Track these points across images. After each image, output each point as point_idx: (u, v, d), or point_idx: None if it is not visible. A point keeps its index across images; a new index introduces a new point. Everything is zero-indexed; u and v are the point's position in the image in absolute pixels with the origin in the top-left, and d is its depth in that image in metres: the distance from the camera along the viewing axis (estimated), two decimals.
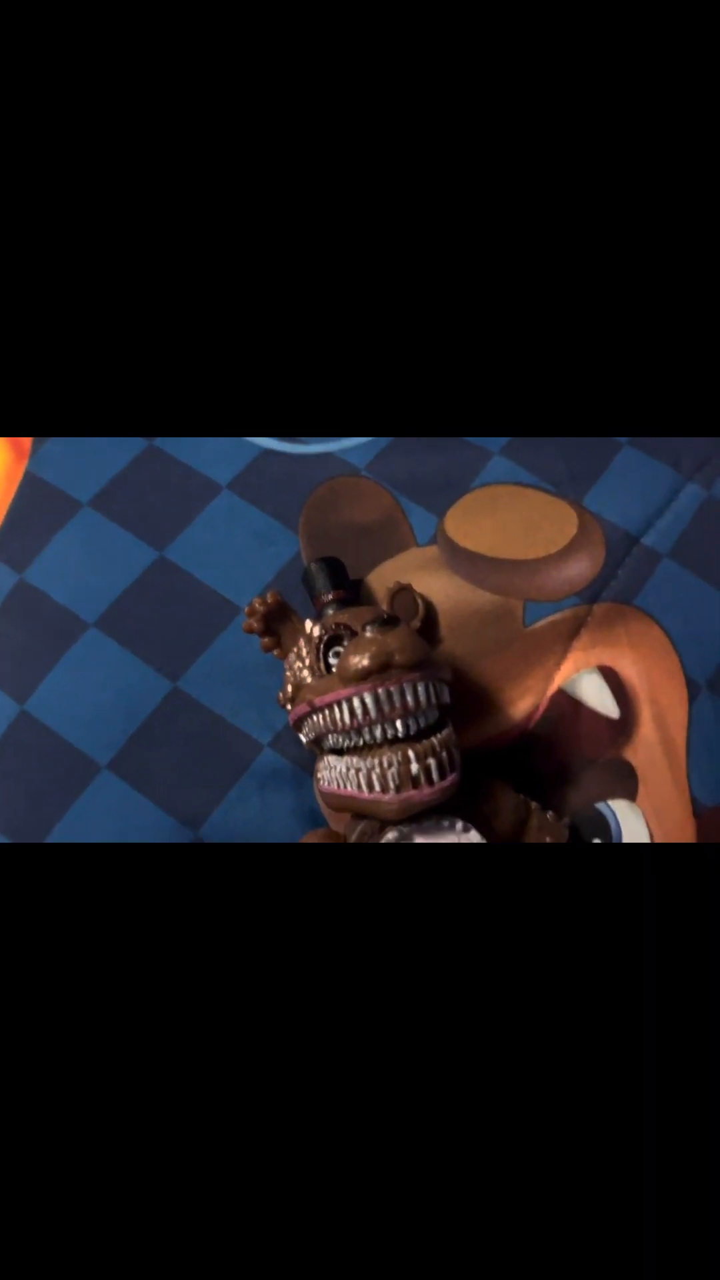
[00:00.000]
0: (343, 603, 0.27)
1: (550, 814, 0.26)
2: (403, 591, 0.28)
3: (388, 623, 0.23)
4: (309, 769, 0.27)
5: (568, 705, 0.28)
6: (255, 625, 0.26)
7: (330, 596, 0.27)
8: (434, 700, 0.23)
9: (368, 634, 0.22)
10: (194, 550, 0.30)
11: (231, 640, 0.28)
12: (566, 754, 0.28)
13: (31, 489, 0.32)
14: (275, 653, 0.26)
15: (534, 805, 0.26)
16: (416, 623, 0.28)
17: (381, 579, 0.30)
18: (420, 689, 0.22)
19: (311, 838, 0.24)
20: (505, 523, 0.31)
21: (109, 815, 0.26)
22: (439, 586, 0.30)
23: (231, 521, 0.31)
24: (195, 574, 0.30)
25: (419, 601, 0.28)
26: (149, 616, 0.29)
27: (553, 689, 0.28)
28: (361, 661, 0.22)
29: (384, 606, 0.27)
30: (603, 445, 0.32)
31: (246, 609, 0.26)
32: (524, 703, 0.28)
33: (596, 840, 0.27)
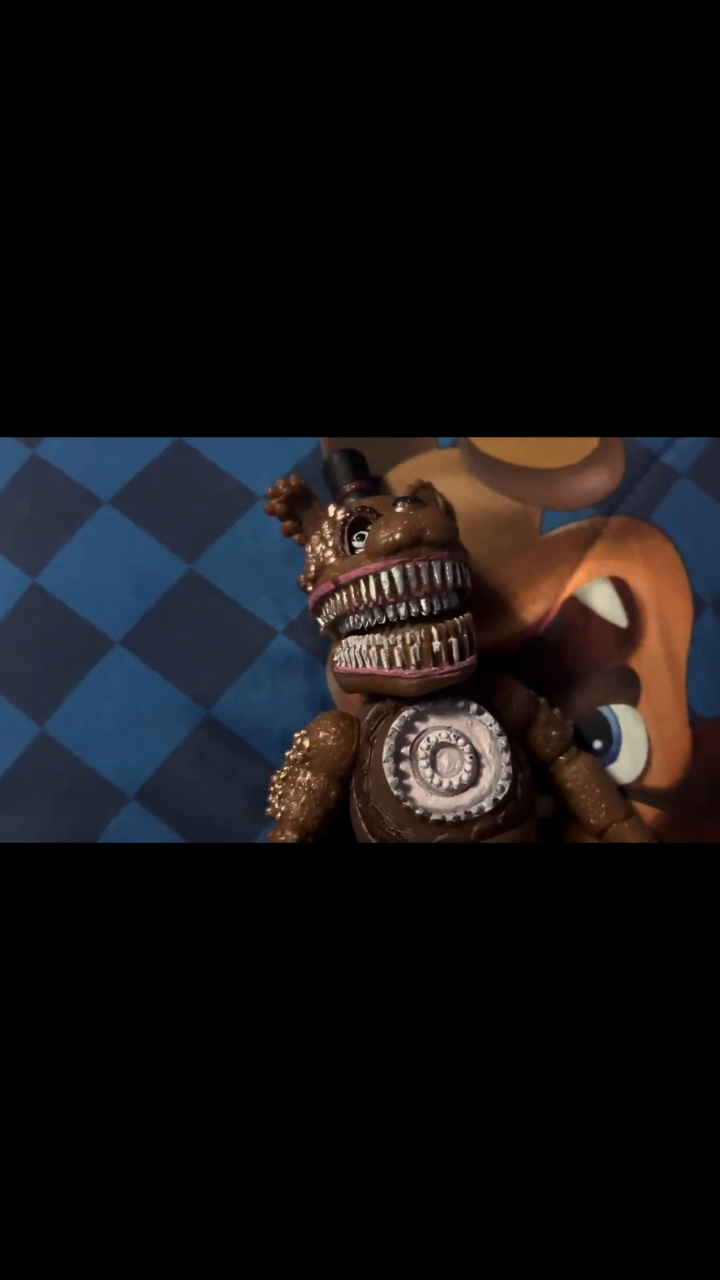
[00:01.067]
0: (363, 493, 0.27)
1: (557, 711, 0.27)
2: (424, 489, 0.28)
3: (418, 501, 0.23)
4: (321, 657, 0.27)
5: (578, 612, 0.29)
6: (277, 507, 0.26)
7: (351, 486, 0.27)
8: (458, 582, 0.23)
9: (398, 509, 0.22)
10: (216, 441, 0.29)
11: (248, 527, 0.28)
12: (574, 659, 0.28)
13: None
14: (295, 538, 0.26)
15: (542, 701, 0.26)
16: None
17: (402, 478, 0.30)
18: (447, 568, 0.22)
19: (323, 719, 0.25)
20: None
21: (121, 690, 0.26)
22: (459, 489, 0.30)
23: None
24: (214, 460, 0.29)
25: (439, 499, 0.28)
26: (166, 498, 0.28)
27: (565, 595, 0.29)
28: (393, 535, 0.22)
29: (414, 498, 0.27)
30: None
31: (269, 490, 0.26)
32: (536, 607, 0.29)
33: (598, 744, 0.28)
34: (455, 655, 0.22)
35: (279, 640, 0.27)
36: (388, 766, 0.23)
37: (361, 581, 0.22)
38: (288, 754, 0.25)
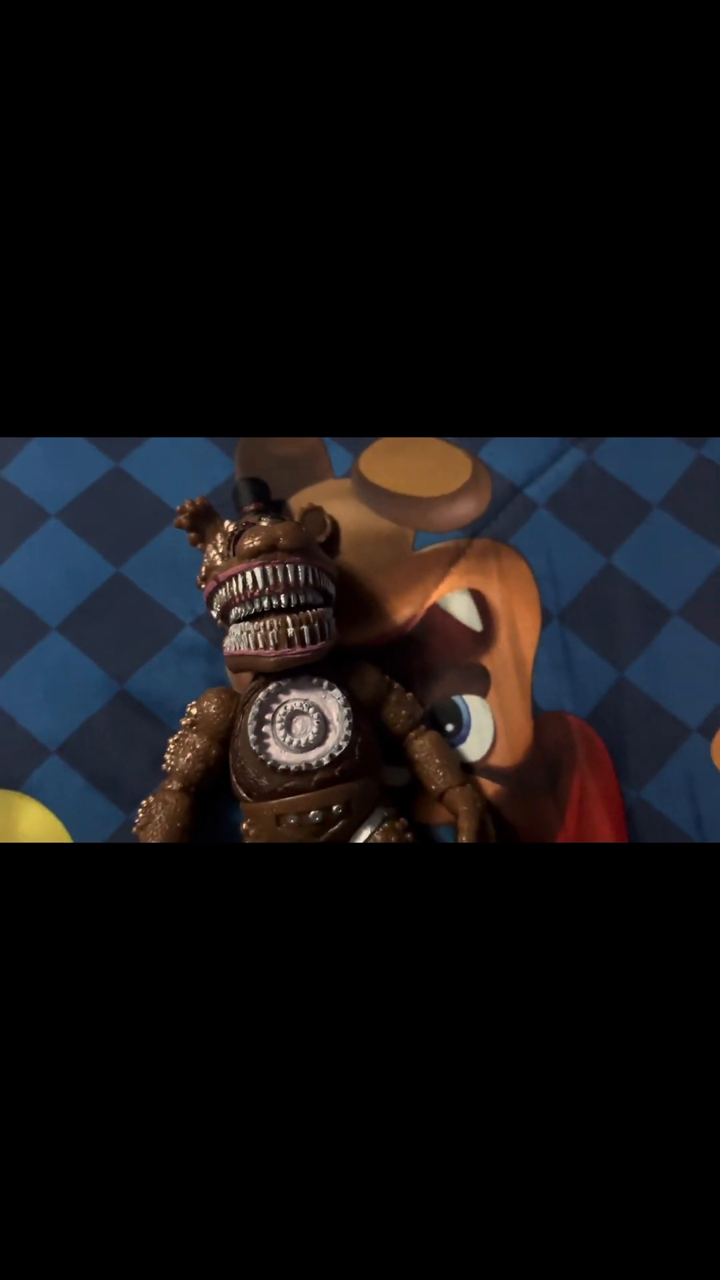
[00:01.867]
0: (260, 513, 0.32)
1: (410, 695, 0.32)
2: (314, 511, 0.34)
3: (279, 517, 0.28)
4: (219, 647, 0.33)
5: (440, 617, 0.34)
6: (184, 521, 0.32)
7: (252, 507, 0.33)
8: (314, 582, 0.28)
9: (263, 523, 0.28)
10: (144, 465, 0.36)
11: (168, 539, 0.34)
12: (435, 656, 0.34)
13: None
14: (199, 546, 0.32)
15: (396, 685, 0.31)
16: (323, 537, 0.33)
17: (300, 502, 0.36)
18: (300, 570, 0.28)
19: (210, 692, 0.30)
20: (410, 465, 0.36)
21: (53, 666, 0.32)
22: (347, 512, 0.35)
23: (179, 443, 0.36)
24: (144, 482, 0.35)
25: (327, 520, 0.34)
26: (103, 513, 0.35)
27: (430, 603, 0.34)
28: (253, 542, 0.27)
29: (297, 520, 0.33)
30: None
31: (179, 508, 0.32)
32: (405, 611, 0.34)
33: (450, 727, 0.33)
34: (307, 639, 0.28)
35: (186, 631, 0.33)
36: (251, 727, 0.28)
37: (234, 579, 0.28)
38: (181, 721, 0.31)
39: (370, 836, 0.29)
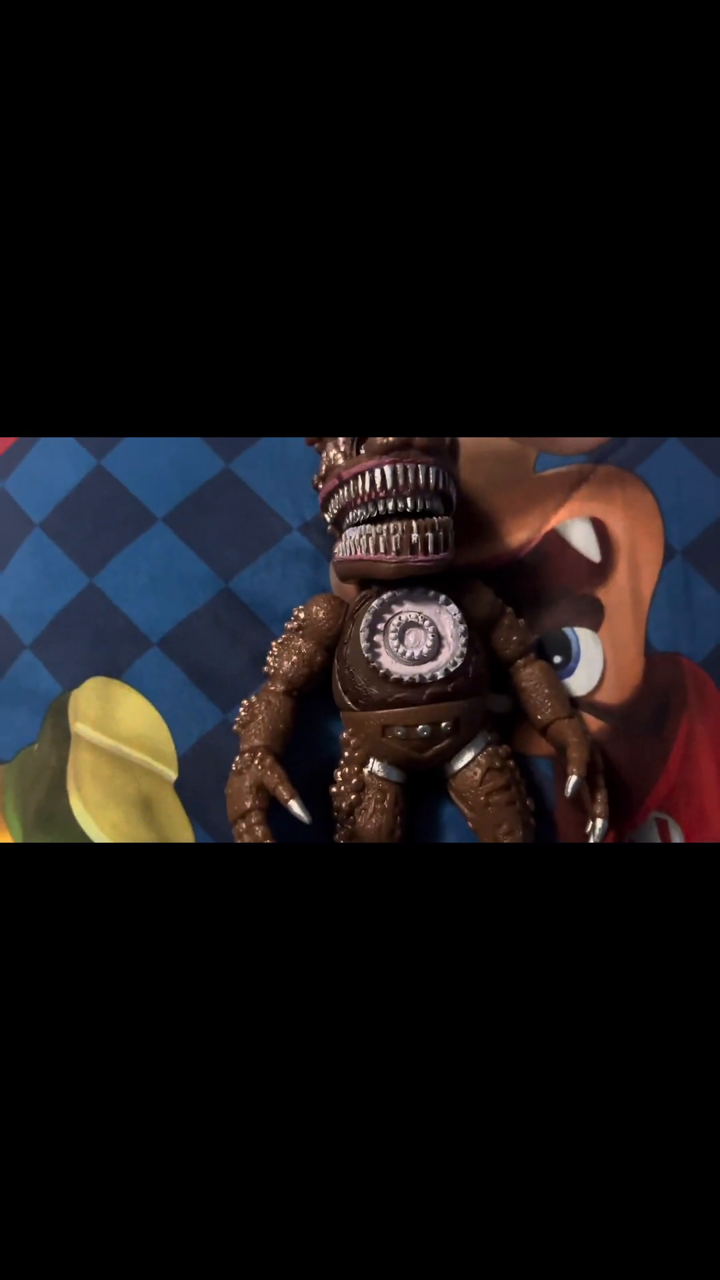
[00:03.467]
0: None
1: (522, 621, 0.30)
2: None
3: None
4: (327, 554, 0.32)
5: (557, 544, 0.32)
6: None
7: None
8: (442, 487, 0.27)
9: None
10: None
11: (277, 437, 0.33)
12: (548, 583, 0.32)
13: None
14: (316, 446, 0.31)
15: (509, 609, 0.30)
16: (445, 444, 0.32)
17: None
18: (431, 472, 0.26)
19: (317, 598, 0.29)
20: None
21: (158, 557, 0.32)
22: None
23: None
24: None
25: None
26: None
27: (548, 528, 0.33)
28: (388, 438, 0.26)
29: None
30: None
31: None
32: (520, 535, 0.33)
33: (558, 658, 0.32)
34: (430, 548, 0.27)
35: (293, 535, 0.32)
36: (363, 635, 0.27)
37: (360, 476, 0.27)
38: (286, 624, 0.30)
39: (474, 759, 0.28)
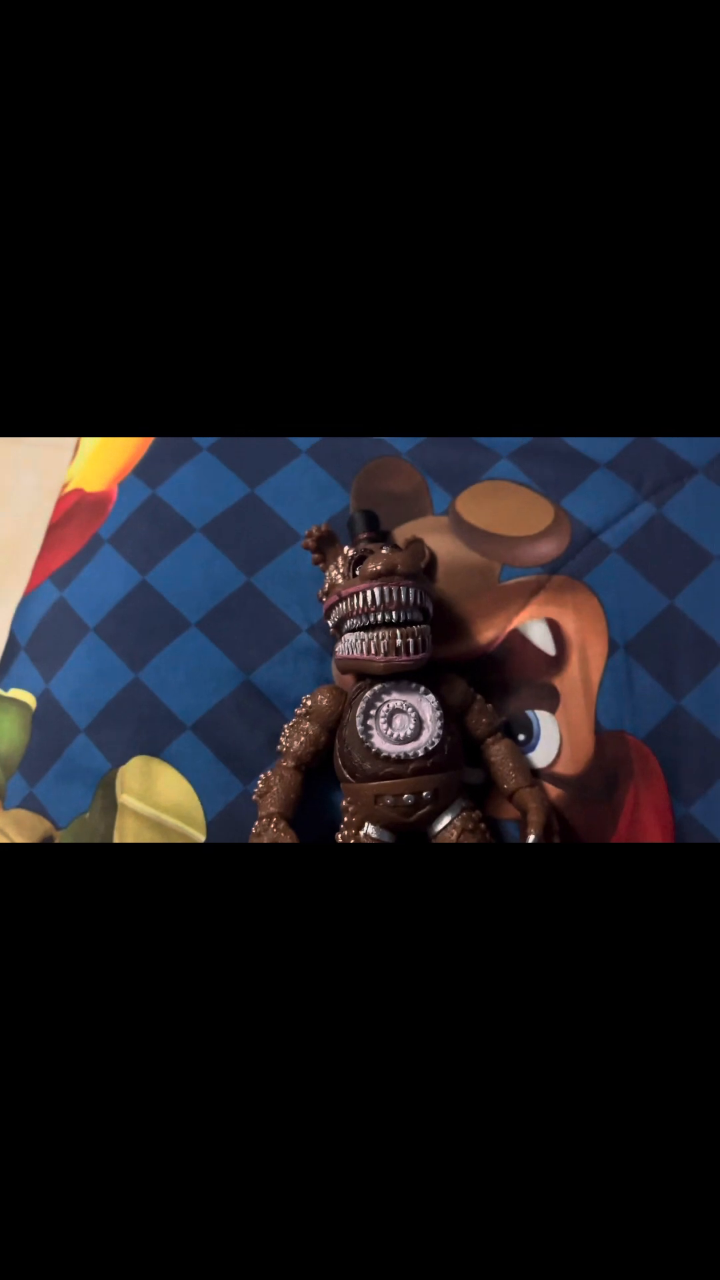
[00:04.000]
0: (371, 540, 0.38)
1: (490, 705, 0.37)
2: (415, 542, 0.39)
3: (397, 547, 0.34)
4: (330, 651, 0.39)
5: (519, 641, 0.39)
6: (310, 544, 0.38)
7: (364, 536, 0.39)
8: (420, 603, 0.34)
9: (382, 550, 0.34)
10: (275, 492, 0.42)
11: (292, 557, 0.40)
12: (512, 674, 0.39)
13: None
14: (321, 565, 0.38)
15: (479, 696, 0.37)
16: (423, 565, 0.39)
17: (403, 534, 0.41)
18: (412, 591, 0.33)
19: (322, 689, 0.36)
20: (500, 507, 0.42)
21: (192, 656, 0.39)
22: (443, 545, 0.41)
23: (305, 477, 0.42)
24: (275, 509, 0.42)
25: (426, 551, 0.40)
26: (239, 530, 0.41)
27: (511, 628, 0.39)
28: (376, 565, 0.33)
29: (401, 548, 0.39)
30: (584, 464, 0.43)
31: (306, 532, 0.38)
32: (488, 634, 0.39)
33: (521, 736, 0.38)
34: (412, 650, 0.33)
35: (302, 636, 0.39)
36: (359, 719, 0.34)
37: (355, 595, 0.34)
38: (296, 710, 0.36)
39: (450, 822, 0.34)
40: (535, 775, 0.37)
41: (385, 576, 0.33)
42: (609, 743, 0.38)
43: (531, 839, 0.34)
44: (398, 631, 0.33)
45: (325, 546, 0.38)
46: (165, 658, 0.39)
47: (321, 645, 0.39)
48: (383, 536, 0.40)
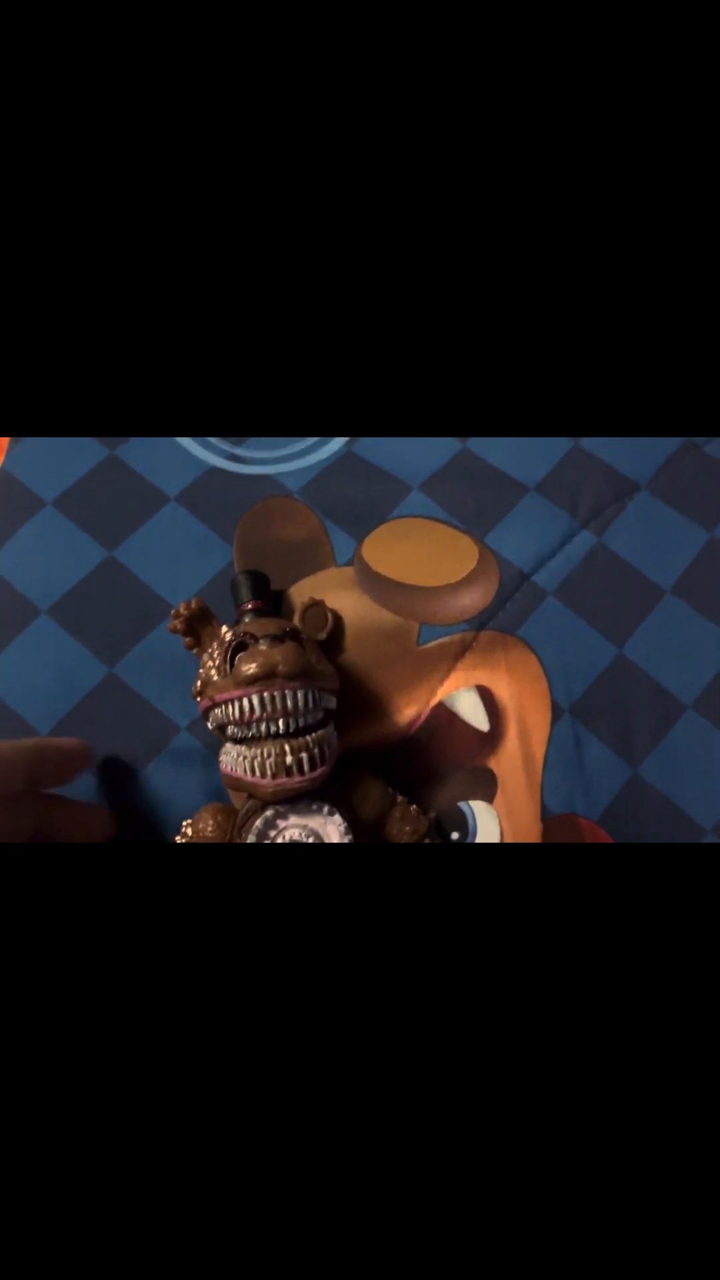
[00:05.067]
0: (259, 612, 0.31)
1: (414, 807, 0.31)
2: (314, 606, 0.32)
3: (279, 638, 0.27)
4: (216, 752, 0.32)
5: (445, 717, 0.33)
6: (179, 626, 0.30)
7: (250, 605, 0.31)
8: (314, 705, 0.27)
9: (261, 646, 0.27)
10: (139, 552, 0.34)
11: (162, 635, 0.33)
12: (440, 759, 0.33)
13: (5, 484, 0.36)
14: (195, 651, 0.31)
15: (400, 799, 0.30)
16: (323, 635, 0.32)
17: (301, 593, 0.34)
18: (300, 695, 0.26)
19: (206, 811, 0.29)
20: (414, 552, 0.35)
21: None
22: (349, 603, 0.34)
23: (175, 529, 0.35)
24: (138, 574, 0.34)
25: (328, 616, 0.33)
26: (94, 609, 0.33)
27: (434, 701, 0.33)
28: (249, 669, 0.26)
29: (297, 619, 0.32)
30: (510, 487, 0.36)
31: (173, 612, 0.30)
32: (408, 711, 0.33)
33: (455, 835, 0.32)
34: (306, 767, 0.27)
35: (181, 735, 0.32)
36: None
37: (230, 703, 0.27)
38: (176, 838, 0.29)
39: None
40: None
41: (264, 680, 0.26)
42: (558, 830, 0.32)
43: None
44: (286, 746, 0.27)
45: (198, 626, 0.31)
46: None
47: (206, 745, 0.32)
48: (273, 601, 0.33)
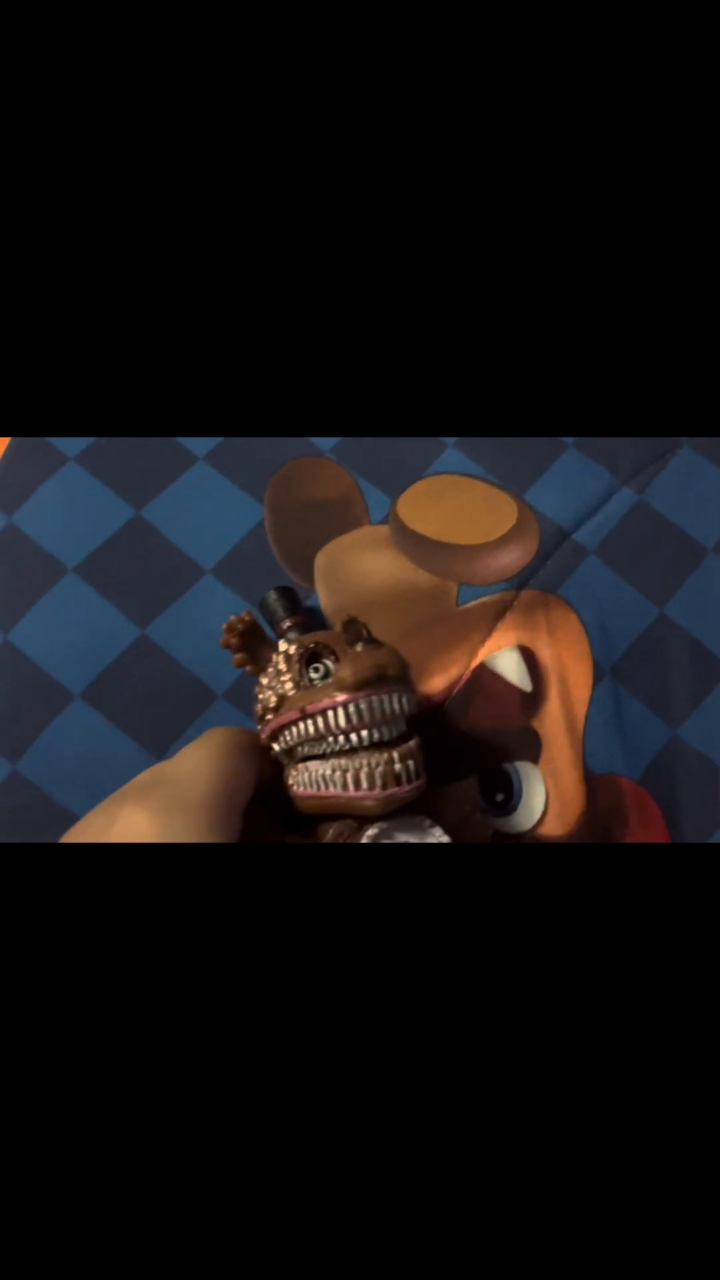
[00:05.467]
0: (302, 628, 0.30)
1: (481, 815, 0.29)
2: (351, 623, 0.28)
3: (372, 640, 0.26)
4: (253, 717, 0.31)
5: (488, 678, 0.32)
6: (232, 642, 0.28)
7: (289, 623, 0.30)
8: (409, 711, 0.25)
9: (359, 649, 0.25)
10: (168, 512, 0.33)
11: (194, 600, 0.32)
12: (483, 720, 0.32)
13: (25, 442, 0.35)
14: (249, 669, 0.29)
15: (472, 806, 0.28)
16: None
17: (333, 555, 0.33)
18: (404, 700, 0.25)
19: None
20: (451, 509, 0.34)
21: (82, 738, 0.30)
22: (385, 563, 0.33)
23: (203, 488, 0.34)
24: (166, 534, 0.33)
25: (364, 632, 0.29)
26: (123, 568, 0.32)
27: (476, 663, 0.32)
28: (362, 673, 0.24)
29: (336, 629, 0.28)
30: (548, 445, 0.35)
31: (224, 626, 0.29)
32: (449, 673, 0.32)
33: (499, 795, 0.31)
34: (413, 775, 0.25)
35: (218, 703, 0.31)
36: None
37: (330, 711, 0.24)
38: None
39: None
40: (519, 839, 0.31)
41: (373, 684, 0.24)
42: (600, 790, 0.32)
43: None
44: (394, 754, 0.24)
45: (253, 643, 0.29)
46: (46, 742, 0.31)
47: (246, 715, 0.31)
48: (309, 616, 0.32)
